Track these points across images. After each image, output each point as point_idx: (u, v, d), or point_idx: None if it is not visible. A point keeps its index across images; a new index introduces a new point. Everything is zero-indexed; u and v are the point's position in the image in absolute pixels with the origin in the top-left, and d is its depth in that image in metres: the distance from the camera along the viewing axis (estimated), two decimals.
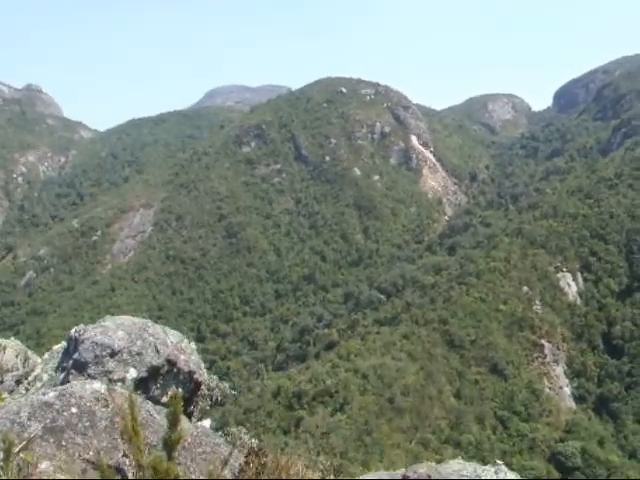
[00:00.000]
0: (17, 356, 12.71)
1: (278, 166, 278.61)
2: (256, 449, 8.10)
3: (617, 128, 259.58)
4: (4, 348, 12.72)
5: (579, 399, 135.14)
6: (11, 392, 11.51)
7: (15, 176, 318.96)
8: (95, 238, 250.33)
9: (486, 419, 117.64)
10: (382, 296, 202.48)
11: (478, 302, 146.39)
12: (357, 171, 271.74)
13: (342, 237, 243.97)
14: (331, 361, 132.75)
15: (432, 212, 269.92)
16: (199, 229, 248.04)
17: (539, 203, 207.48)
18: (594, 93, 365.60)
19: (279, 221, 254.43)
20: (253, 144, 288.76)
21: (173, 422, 6.91)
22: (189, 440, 8.41)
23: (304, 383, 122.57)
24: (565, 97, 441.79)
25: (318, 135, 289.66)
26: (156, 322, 12.43)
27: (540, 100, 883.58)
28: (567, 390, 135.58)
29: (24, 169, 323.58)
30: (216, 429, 12.28)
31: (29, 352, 13.21)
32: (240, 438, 11.78)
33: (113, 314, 12.55)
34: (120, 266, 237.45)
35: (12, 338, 13.82)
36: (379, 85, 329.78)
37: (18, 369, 12.40)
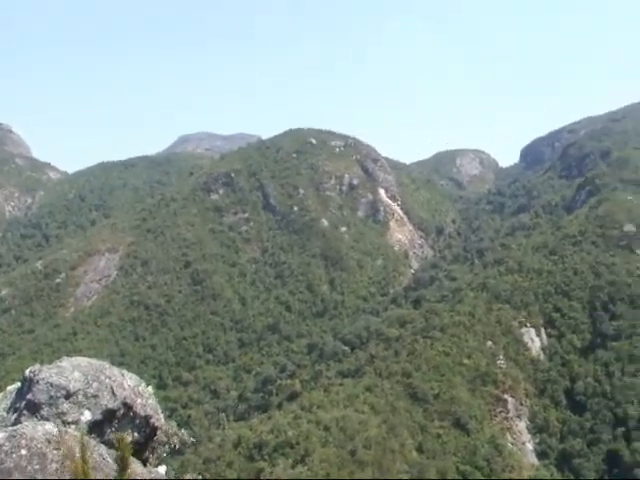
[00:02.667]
0: None
1: (246, 215, 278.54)
2: None
3: (581, 186, 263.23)
4: None
5: (541, 455, 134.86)
6: None
7: None
8: (58, 280, 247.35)
9: (448, 474, 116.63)
10: (346, 348, 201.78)
11: (442, 356, 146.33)
12: (325, 222, 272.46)
13: (308, 287, 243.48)
14: (293, 412, 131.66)
15: (398, 265, 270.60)
16: (164, 275, 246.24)
17: (504, 258, 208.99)
18: (560, 151, 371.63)
19: (245, 270, 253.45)
20: (221, 192, 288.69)
21: (122, 466, 6.69)
22: None
23: (265, 434, 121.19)
24: (531, 154, 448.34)
25: (287, 185, 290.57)
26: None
27: (507, 156, 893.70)
28: (530, 446, 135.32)
29: None
30: (174, 477, 11.99)
31: None
32: None
33: None
34: (83, 310, 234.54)
35: None
36: (349, 137, 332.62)
37: None
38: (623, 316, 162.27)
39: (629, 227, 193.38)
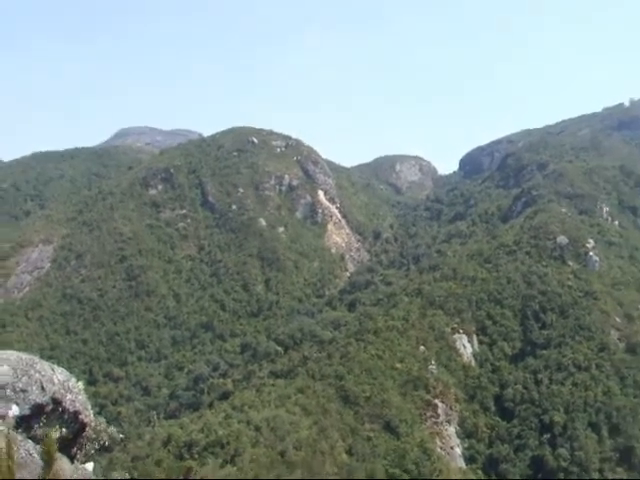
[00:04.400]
0: None
1: (184, 211, 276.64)
2: None
3: (518, 197, 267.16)
4: None
5: (469, 459, 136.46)
6: None
7: None
8: None
9: (377, 476, 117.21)
10: (279, 348, 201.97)
11: (375, 359, 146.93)
12: (262, 222, 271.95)
13: (243, 287, 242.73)
14: (224, 411, 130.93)
15: (334, 267, 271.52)
16: (99, 269, 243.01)
17: (440, 265, 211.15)
18: (498, 161, 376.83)
19: (181, 267, 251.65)
20: (160, 187, 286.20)
21: (47, 462, 6.58)
22: None
23: (196, 432, 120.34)
24: (470, 163, 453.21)
25: (226, 183, 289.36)
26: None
27: (447, 164, 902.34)
28: (458, 450, 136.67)
29: None
30: (102, 474, 11.85)
31: None
32: None
33: None
34: (13, 302, 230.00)
35: None
36: (290, 138, 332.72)
37: None
38: (553, 325, 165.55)
39: (562, 239, 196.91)
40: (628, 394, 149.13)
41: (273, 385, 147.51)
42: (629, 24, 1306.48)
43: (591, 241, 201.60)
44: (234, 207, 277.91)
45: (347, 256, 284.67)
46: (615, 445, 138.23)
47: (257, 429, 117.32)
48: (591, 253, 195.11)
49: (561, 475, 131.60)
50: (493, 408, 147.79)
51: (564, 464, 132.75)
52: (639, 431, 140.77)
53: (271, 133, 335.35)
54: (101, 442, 12.14)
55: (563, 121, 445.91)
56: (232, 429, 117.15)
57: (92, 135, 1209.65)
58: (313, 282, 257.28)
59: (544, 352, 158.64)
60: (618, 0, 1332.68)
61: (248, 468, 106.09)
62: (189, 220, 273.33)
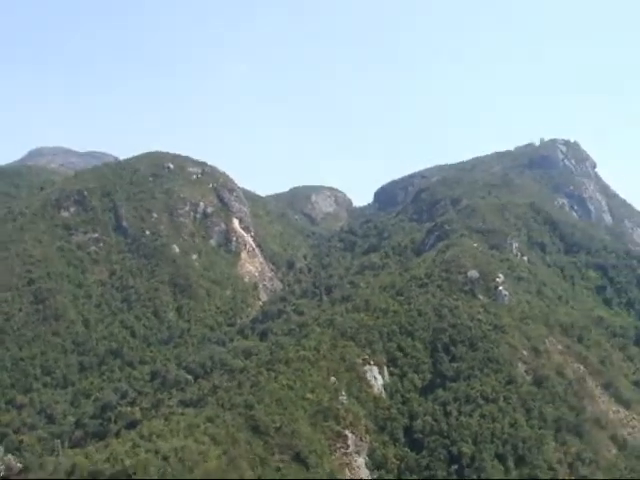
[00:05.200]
0: None
1: (96, 235, 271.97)
2: None
3: (431, 230, 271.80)
4: None
5: None
6: None
7: None
8: None
9: None
10: (189, 377, 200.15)
11: (285, 389, 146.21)
12: (176, 248, 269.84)
13: (154, 313, 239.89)
14: (132, 440, 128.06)
15: (247, 296, 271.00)
16: (5, 292, 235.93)
17: (352, 296, 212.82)
18: (412, 195, 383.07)
19: (91, 291, 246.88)
20: (72, 210, 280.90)
21: None
22: None
23: (101, 462, 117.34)
24: (385, 196, 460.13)
25: (140, 208, 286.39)
26: None
27: (362, 196, 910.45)
28: None
29: None
30: None
31: None
32: None
33: None
34: None
35: None
36: (206, 165, 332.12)
37: None
38: (462, 358, 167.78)
39: (473, 273, 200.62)
40: (534, 426, 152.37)
41: (182, 414, 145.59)
42: (542, 66, 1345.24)
43: (501, 276, 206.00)
44: (148, 232, 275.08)
45: (260, 285, 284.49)
46: (520, 475, 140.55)
47: (165, 459, 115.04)
48: (501, 287, 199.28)
49: None
50: (403, 439, 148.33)
51: None
52: (543, 462, 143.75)
53: (187, 159, 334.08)
54: None
55: (476, 158, 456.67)
56: (139, 459, 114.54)
57: (3, 154, 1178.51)
58: (225, 310, 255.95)
59: (453, 384, 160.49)
60: (533, 42, 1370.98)
61: None
62: (101, 244, 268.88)
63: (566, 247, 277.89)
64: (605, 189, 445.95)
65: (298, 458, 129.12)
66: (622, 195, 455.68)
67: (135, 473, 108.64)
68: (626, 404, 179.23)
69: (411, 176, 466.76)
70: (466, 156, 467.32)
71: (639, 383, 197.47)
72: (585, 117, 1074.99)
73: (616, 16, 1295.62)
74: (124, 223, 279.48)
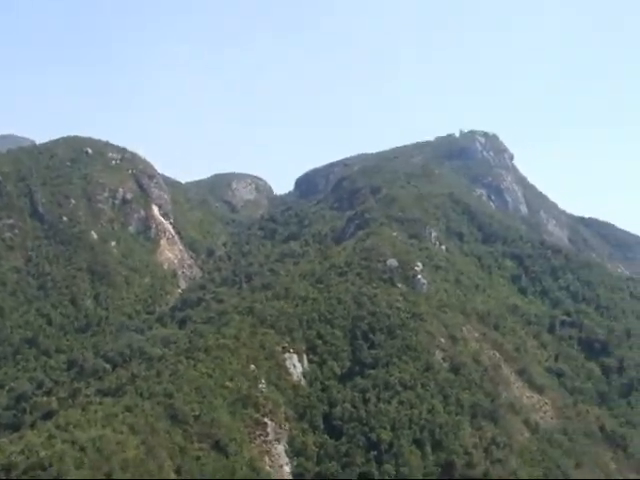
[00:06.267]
0: None
1: (11, 221, 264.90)
2: None
3: (351, 219, 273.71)
4: None
5: (298, 477, 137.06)
6: None
7: None
8: None
9: None
10: (107, 366, 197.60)
11: (205, 377, 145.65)
12: (94, 235, 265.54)
13: (71, 301, 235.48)
14: (48, 431, 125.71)
15: (166, 284, 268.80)
16: None
17: (272, 284, 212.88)
18: (333, 184, 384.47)
19: (6, 279, 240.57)
20: None
21: None
22: None
23: (16, 454, 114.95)
24: (306, 184, 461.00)
25: (57, 193, 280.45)
26: None
27: (283, 184, 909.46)
28: (287, 468, 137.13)
29: None
30: None
31: None
32: None
33: None
34: None
35: None
36: (126, 151, 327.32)
37: None
38: (381, 345, 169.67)
39: (392, 261, 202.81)
40: (450, 412, 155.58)
41: (100, 404, 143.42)
42: (463, 59, 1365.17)
43: (419, 264, 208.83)
44: (65, 218, 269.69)
45: (179, 273, 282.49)
46: (437, 460, 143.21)
47: (82, 449, 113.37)
48: (419, 276, 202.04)
49: None
50: (322, 426, 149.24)
51: None
52: (460, 446, 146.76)
53: (107, 144, 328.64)
54: None
55: (397, 148, 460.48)
56: (55, 450, 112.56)
57: None
58: (144, 298, 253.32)
59: (372, 371, 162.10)
60: (456, 37, 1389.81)
61: None
62: (16, 230, 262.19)
63: (483, 237, 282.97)
64: (522, 180, 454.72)
65: (218, 446, 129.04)
66: (538, 187, 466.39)
67: (51, 465, 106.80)
68: (539, 389, 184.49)
69: (332, 164, 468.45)
70: (387, 145, 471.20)
71: (552, 369, 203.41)
72: (504, 110, 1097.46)
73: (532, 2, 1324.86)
74: (40, 209, 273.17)
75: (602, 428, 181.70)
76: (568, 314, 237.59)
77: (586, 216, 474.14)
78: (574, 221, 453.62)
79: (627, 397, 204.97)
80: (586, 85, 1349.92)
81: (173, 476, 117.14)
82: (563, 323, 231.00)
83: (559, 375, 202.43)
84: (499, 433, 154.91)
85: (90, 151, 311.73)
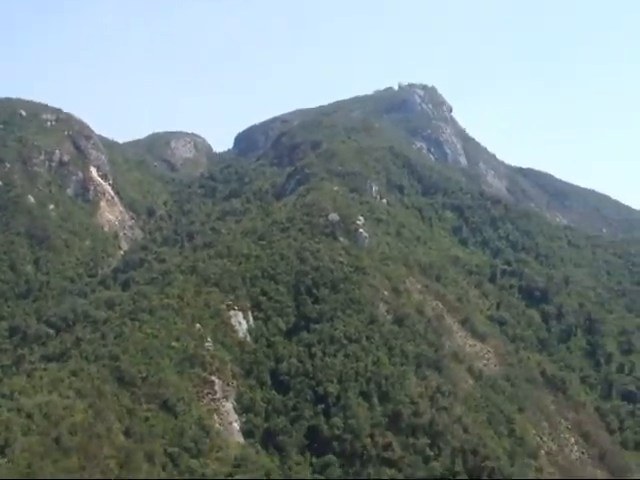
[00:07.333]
0: None
1: None
2: None
3: (291, 175, 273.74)
4: None
5: (248, 434, 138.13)
6: None
7: None
8: None
9: (156, 456, 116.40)
10: (51, 331, 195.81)
11: (150, 338, 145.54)
12: (31, 199, 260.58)
13: (11, 267, 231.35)
14: None
15: (107, 246, 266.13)
16: None
17: (214, 242, 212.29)
18: (272, 140, 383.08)
19: None
20: None
21: None
22: None
23: None
24: (246, 141, 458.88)
25: None
26: None
27: (222, 142, 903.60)
28: (236, 425, 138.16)
29: None
30: None
31: None
32: None
33: None
34: None
35: None
36: (61, 112, 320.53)
37: None
38: (325, 300, 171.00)
39: (333, 216, 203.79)
40: (396, 363, 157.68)
41: (45, 369, 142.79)
42: (400, 11, 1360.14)
43: (361, 218, 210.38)
44: (0, 183, 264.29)
45: (120, 234, 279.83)
46: (384, 411, 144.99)
47: (29, 416, 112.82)
48: (361, 230, 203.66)
49: (335, 443, 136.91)
50: (269, 382, 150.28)
51: (338, 432, 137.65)
52: (405, 397, 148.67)
53: (41, 106, 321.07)
54: None
55: (337, 102, 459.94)
56: (2, 418, 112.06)
57: None
58: (85, 261, 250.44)
59: (317, 326, 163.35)
60: None
61: (20, 458, 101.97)
62: None
63: (424, 189, 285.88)
64: (461, 133, 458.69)
65: (166, 407, 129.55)
66: (477, 139, 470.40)
67: None
68: (481, 338, 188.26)
69: (271, 120, 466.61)
70: (326, 100, 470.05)
71: (494, 318, 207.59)
72: (442, 62, 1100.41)
73: None
74: None
75: (543, 373, 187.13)
76: (508, 263, 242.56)
77: (524, 166, 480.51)
78: (512, 171, 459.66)
79: (566, 342, 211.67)
80: (522, 36, 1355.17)
81: (122, 438, 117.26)
82: (504, 272, 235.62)
83: (501, 323, 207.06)
84: (444, 382, 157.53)
85: (24, 113, 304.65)
